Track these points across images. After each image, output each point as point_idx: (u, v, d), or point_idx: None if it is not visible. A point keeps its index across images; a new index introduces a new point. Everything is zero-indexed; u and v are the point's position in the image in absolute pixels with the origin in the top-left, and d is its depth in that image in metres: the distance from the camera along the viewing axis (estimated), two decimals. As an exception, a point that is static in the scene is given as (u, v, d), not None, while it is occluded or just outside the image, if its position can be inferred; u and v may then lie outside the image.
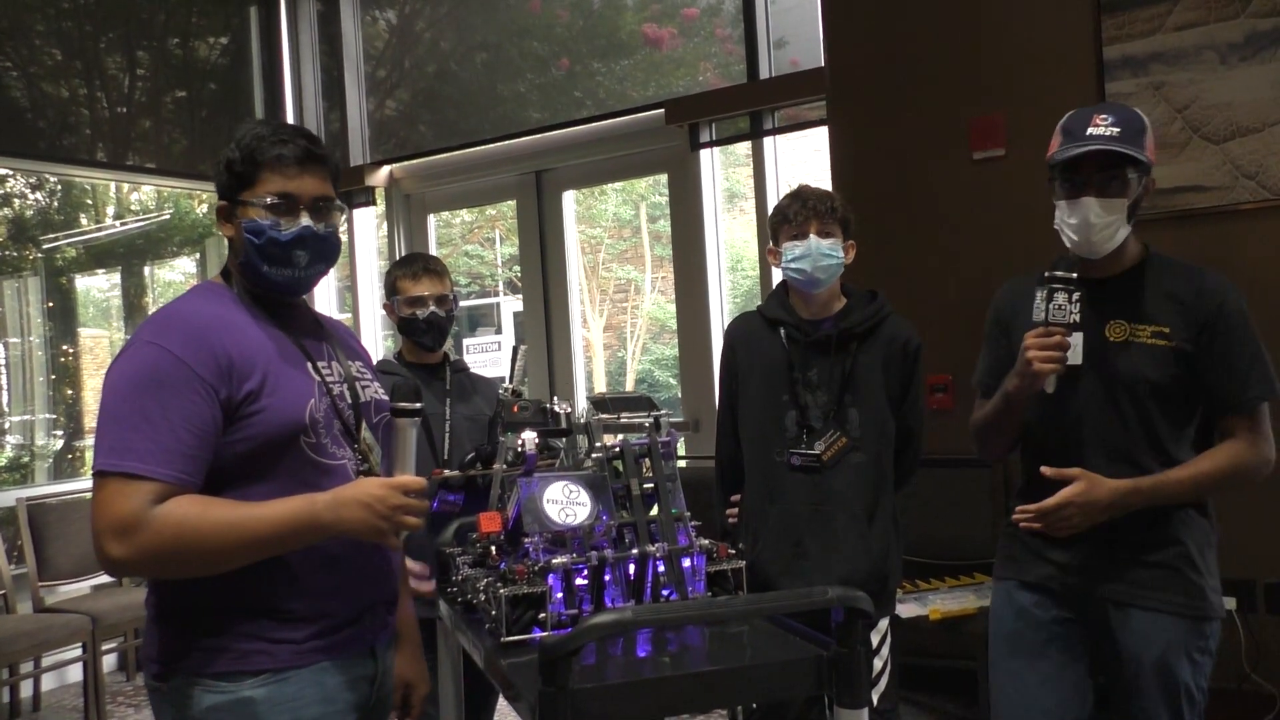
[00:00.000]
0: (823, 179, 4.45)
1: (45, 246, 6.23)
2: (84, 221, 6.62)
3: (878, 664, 2.40)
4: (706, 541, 1.67)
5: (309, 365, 1.68)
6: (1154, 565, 1.98)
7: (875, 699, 2.35)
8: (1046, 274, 1.94)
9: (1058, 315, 1.91)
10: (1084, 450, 2.01)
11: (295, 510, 1.54)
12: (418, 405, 1.68)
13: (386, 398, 1.81)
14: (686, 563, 1.63)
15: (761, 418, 2.45)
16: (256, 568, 1.55)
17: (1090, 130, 1.97)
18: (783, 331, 2.46)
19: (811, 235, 2.38)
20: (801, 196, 2.44)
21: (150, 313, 6.68)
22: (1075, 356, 1.98)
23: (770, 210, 2.51)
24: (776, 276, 2.61)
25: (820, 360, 2.41)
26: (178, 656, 1.59)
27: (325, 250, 1.70)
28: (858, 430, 2.39)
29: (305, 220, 1.66)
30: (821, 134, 4.44)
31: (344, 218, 1.76)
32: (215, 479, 1.57)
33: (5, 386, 6.00)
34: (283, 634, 1.60)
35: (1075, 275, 1.92)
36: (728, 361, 2.57)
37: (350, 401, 1.72)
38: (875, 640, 2.39)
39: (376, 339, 6.12)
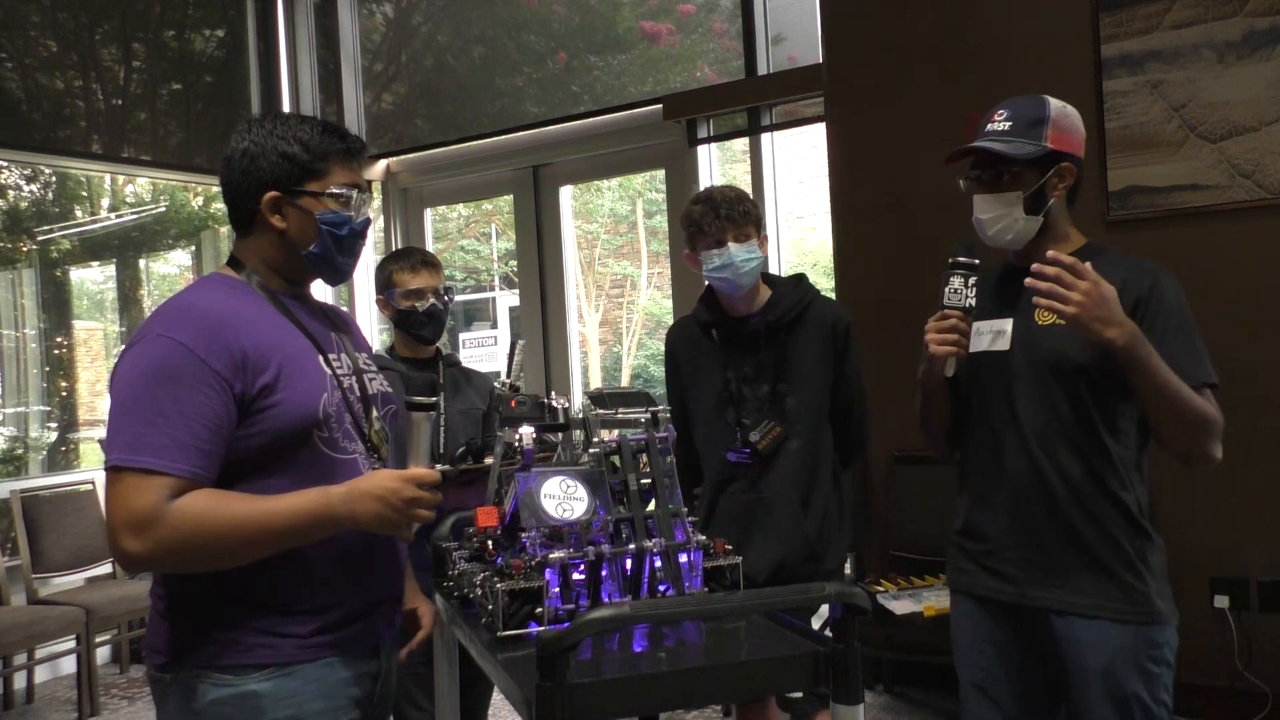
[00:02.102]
0: (820, 175, 4.46)
1: (40, 238, 6.21)
2: (79, 214, 6.60)
3: None
4: (703, 537, 1.67)
5: (320, 358, 1.68)
6: (1091, 571, 1.93)
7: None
8: (949, 259, 1.94)
9: (953, 299, 1.92)
10: (1021, 434, 1.98)
11: (311, 504, 1.54)
12: (433, 400, 1.69)
13: (390, 390, 1.82)
14: (684, 558, 1.63)
15: (708, 418, 2.52)
16: (267, 561, 1.55)
17: (987, 127, 1.99)
18: (715, 333, 2.53)
19: (730, 243, 2.42)
20: (713, 203, 2.45)
21: (144, 305, 6.69)
22: (1004, 342, 1.99)
23: (690, 213, 2.50)
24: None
25: (754, 354, 2.48)
26: (186, 648, 1.58)
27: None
28: (795, 416, 2.46)
29: (366, 210, 1.74)
30: (819, 130, 4.45)
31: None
32: (228, 473, 1.56)
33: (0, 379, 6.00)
34: (289, 628, 1.59)
35: (976, 261, 1.93)
36: (671, 369, 2.64)
37: (359, 394, 1.72)
38: (817, 625, 2.40)
39: (373, 333, 6.11)
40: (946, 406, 2.10)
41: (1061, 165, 1.98)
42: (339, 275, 1.76)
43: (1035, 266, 1.81)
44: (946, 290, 1.93)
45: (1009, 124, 1.98)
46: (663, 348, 2.71)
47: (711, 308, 2.56)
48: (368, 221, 1.75)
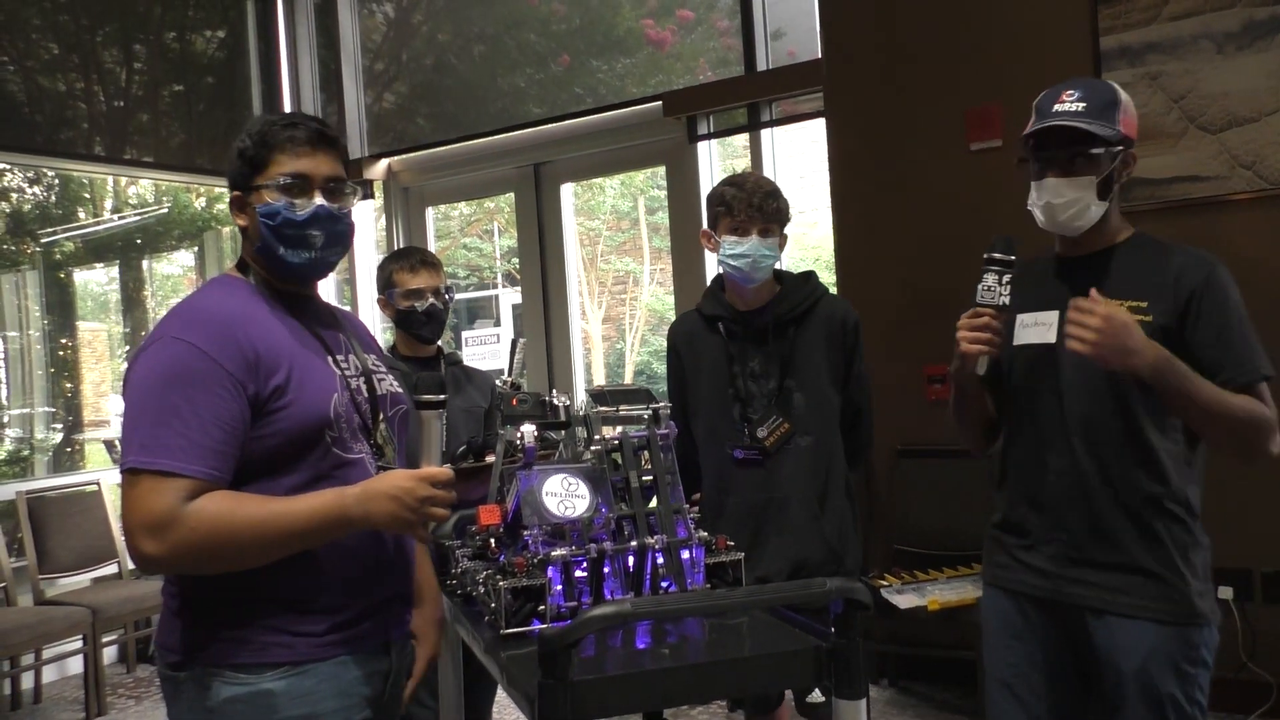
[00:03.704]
0: (821, 170, 4.46)
1: (43, 240, 6.23)
2: (82, 215, 6.62)
3: None
4: (705, 533, 1.68)
5: (329, 359, 1.68)
6: (1132, 570, 1.89)
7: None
8: (985, 255, 1.90)
9: (986, 297, 1.88)
10: (1065, 427, 1.95)
11: (325, 505, 1.54)
12: (442, 397, 1.68)
13: (400, 390, 1.82)
14: (685, 555, 1.63)
15: (711, 414, 2.48)
16: (280, 560, 1.56)
17: (1056, 107, 1.91)
18: (722, 327, 2.49)
19: (754, 235, 2.39)
20: (746, 190, 2.42)
21: (148, 305, 6.68)
22: (1049, 335, 1.95)
23: (722, 193, 2.46)
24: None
25: (761, 349, 2.45)
26: (199, 647, 1.59)
27: (340, 232, 1.70)
28: (803, 412, 2.41)
29: (319, 200, 1.66)
30: (819, 125, 4.44)
31: (358, 200, 1.76)
32: (240, 473, 1.57)
33: (4, 380, 6.01)
34: (303, 627, 1.60)
35: (1013, 258, 1.89)
36: (673, 365, 2.60)
37: (367, 395, 1.72)
38: None
39: (376, 333, 6.12)
40: (982, 402, 2.06)
41: (1128, 152, 1.94)
42: (293, 271, 1.69)
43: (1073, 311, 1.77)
44: (980, 287, 1.89)
45: (1083, 105, 1.89)
46: (665, 344, 2.69)
47: (720, 301, 2.52)
48: (323, 214, 1.65)
